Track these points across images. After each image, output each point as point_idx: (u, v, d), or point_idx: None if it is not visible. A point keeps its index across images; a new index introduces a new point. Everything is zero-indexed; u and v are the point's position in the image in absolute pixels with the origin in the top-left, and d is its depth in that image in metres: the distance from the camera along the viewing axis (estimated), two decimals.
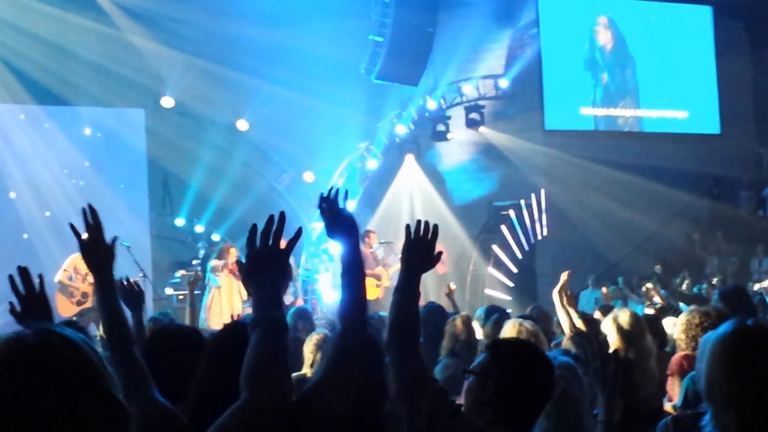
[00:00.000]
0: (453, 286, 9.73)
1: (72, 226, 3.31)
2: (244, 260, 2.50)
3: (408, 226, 3.23)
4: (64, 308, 12.37)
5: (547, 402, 3.13)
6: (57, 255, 14.60)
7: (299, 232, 2.54)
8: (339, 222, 2.92)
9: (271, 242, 2.46)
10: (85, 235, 3.25)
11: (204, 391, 2.83)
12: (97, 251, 3.26)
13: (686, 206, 20.34)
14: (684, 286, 13.72)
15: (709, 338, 2.92)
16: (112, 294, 3.24)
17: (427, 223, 3.22)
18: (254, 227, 2.48)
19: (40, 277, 3.38)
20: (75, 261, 12.56)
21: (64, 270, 12.65)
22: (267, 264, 2.45)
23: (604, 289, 13.38)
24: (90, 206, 3.18)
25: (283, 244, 2.47)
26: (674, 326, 5.79)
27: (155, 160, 17.86)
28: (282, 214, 2.49)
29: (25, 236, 16.36)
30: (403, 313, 3.13)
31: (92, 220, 3.25)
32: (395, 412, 3.02)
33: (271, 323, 2.35)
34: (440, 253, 3.27)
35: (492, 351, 3.20)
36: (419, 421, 2.90)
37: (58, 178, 16.85)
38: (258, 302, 2.42)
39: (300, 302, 14.66)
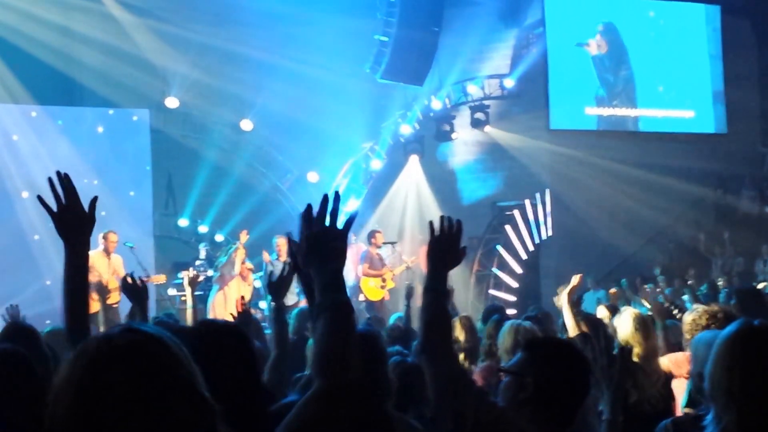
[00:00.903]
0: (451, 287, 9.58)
1: (40, 198, 3.18)
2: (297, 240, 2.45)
3: (431, 223, 3.17)
4: None
5: (584, 400, 3.12)
6: (61, 257, 14.59)
7: (353, 217, 2.53)
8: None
9: (329, 223, 2.40)
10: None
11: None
12: (74, 218, 3.18)
13: (692, 206, 20.29)
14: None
15: (707, 338, 2.91)
16: (84, 269, 3.17)
17: (450, 219, 3.17)
18: (309, 207, 2.43)
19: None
20: (93, 258, 12.50)
21: None
22: (326, 247, 2.39)
23: (612, 290, 13.33)
24: (59, 173, 3.04)
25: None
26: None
27: (159, 160, 17.88)
28: (337, 194, 2.43)
29: (36, 237, 16.39)
30: (435, 312, 3.08)
31: (68, 184, 3.13)
32: (435, 416, 3.01)
33: (336, 307, 2.30)
34: (465, 248, 3.23)
35: (531, 350, 3.16)
36: (465, 423, 2.87)
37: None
38: (321, 286, 2.36)
39: (304, 302, 14.63)
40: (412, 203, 19.59)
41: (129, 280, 5.23)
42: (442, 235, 3.15)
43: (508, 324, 5.99)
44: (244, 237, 13.86)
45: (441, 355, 3.01)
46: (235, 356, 2.72)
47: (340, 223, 2.42)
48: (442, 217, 3.18)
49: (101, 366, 1.67)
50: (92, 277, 12.03)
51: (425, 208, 19.38)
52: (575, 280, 7.11)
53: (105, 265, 12.39)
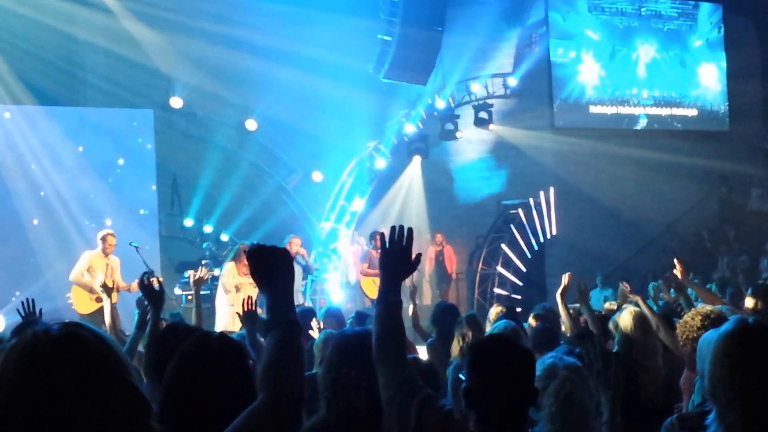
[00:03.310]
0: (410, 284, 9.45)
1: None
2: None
3: (382, 235, 3.19)
4: (81, 305, 12.36)
5: (531, 398, 3.03)
6: (64, 257, 14.70)
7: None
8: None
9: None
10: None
11: (168, 394, 2.82)
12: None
13: (696, 204, 20.28)
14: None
15: (709, 337, 2.92)
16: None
17: (401, 228, 3.17)
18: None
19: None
20: (90, 260, 12.56)
21: (80, 267, 12.60)
22: (275, 266, 2.55)
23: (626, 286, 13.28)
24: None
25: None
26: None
27: (164, 160, 17.90)
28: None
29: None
30: (387, 324, 3.09)
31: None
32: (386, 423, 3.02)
33: (283, 326, 2.45)
34: (419, 255, 3.22)
35: (468, 354, 3.15)
36: (408, 428, 2.87)
37: (67, 180, 16.89)
38: (270, 306, 2.51)
39: (306, 302, 14.69)
40: (415, 203, 19.62)
41: (146, 281, 5.28)
42: (392, 245, 3.15)
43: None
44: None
45: (393, 364, 3.00)
46: (231, 375, 2.75)
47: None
48: (392, 227, 3.18)
49: (37, 354, 1.69)
50: (90, 278, 12.11)
51: (426, 207, 19.42)
52: (566, 279, 7.18)
53: (103, 266, 12.41)
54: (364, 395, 3.19)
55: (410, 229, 3.17)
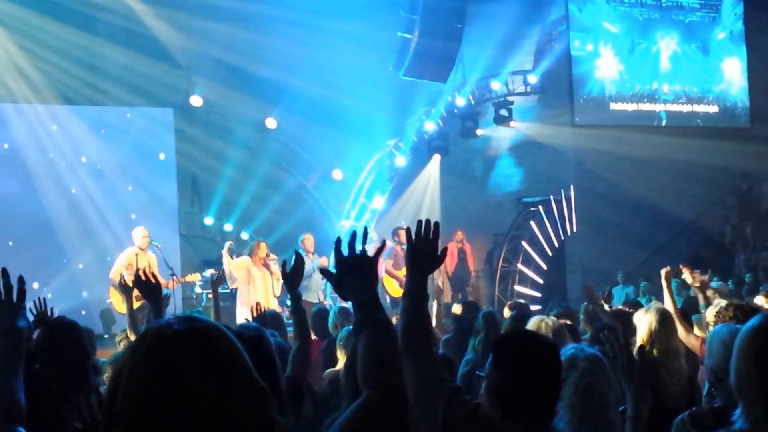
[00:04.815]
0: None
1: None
2: (332, 270, 2.67)
3: (408, 230, 3.15)
4: (120, 304, 12.42)
5: (555, 388, 3.04)
6: (87, 256, 14.81)
7: (384, 244, 2.87)
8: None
9: (358, 251, 2.63)
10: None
11: None
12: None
13: (717, 201, 20.19)
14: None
15: (716, 333, 2.90)
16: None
17: (428, 222, 3.15)
18: (339, 239, 2.64)
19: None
20: (129, 258, 12.66)
21: (120, 266, 12.68)
22: (356, 270, 2.60)
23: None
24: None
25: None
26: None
27: (184, 159, 17.98)
28: (365, 229, 2.80)
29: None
30: (413, 317, 3.09)
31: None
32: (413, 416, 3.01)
33: (376, 324, 2.49)
34: (445, 249, 3.22)
35: (495, 349, 3.14)
36: (435, 422, 2.89)
37: (88, 179, 17.00)
38: (358, 306, 2.57)
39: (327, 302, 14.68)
40: (435, 200, 19.61)
41: (142, 276, 5.19)
42: (418, 240, 3.13)
43: (533, 319, 5.97)
44: (263, 251, 13.41)
45: (419, 357, 3.01)
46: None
47: (369, 251, 2.64)
48: (419, 222, 3.16)
49: (164, 351, 1.70)
50: (131, 275, 12.10)
51: (448, 205, 19.40)
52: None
53: (144, 263, 12.46)
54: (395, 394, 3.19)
55: (437, 223, 3.16)
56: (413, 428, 3.06)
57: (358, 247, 2.61)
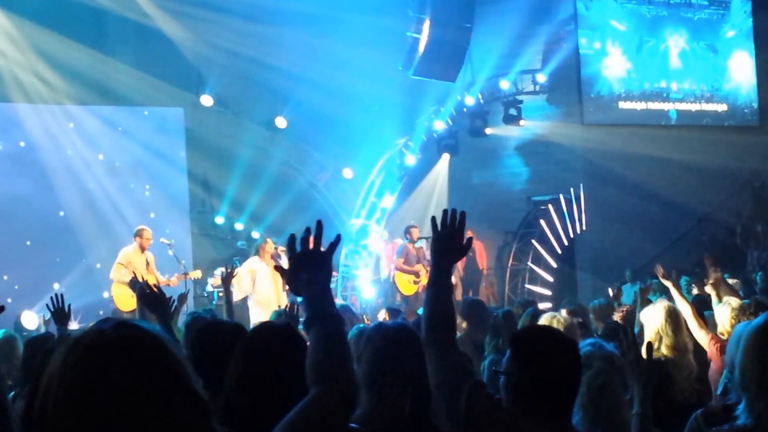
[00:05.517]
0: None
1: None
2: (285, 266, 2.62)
3: (434, 219, 3.18)
4: (122, 303, 12.45)
5: (575, 385, 3.01)
6: (102, 254, 14.87)
7: (338, 239, 2.70)
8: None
9: (311, 246, 2.57)
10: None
11: (238, 388, 2.86)
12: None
13: (727, 199, 20.14)
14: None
15: (737, 330, 2.95)
16: None
17: (453, 212, 3.16)
18: (292, 236, 2.61)
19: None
20: (127, 257, 12.66)
21: (119, 264, 12.69)
22: (309, 265, 2.54)
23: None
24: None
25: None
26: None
27: (195, 158, 18.01)
28: (319, 223, 2.63)
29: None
30: (438, 307, 3.08)
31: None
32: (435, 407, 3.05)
33: (325, 319, 2.43)
34: (470, 239, 3.22)
35: (513, 346, 3.10)
36: (458, 415, 2.87)
37: (100, 178, 17.08)
38: (308, 301, 2.50)
39: (337, 299, 14.70)
40: (444, 199, 19.63)
41: (147, 289, 5.12)
42: (444, 229, 3.15)
43: (545, 315, 6.01)
44: (270, 247, 13.38)
45: (444, 349, 3.01)
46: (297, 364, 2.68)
47: (323, 247, 2.59)
48: (445, 211, 3.18)
49: (95, 356, 1.65)
50: (129, 275, 12.14)
51: (458, 203, 19.39)
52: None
53: (142, 262, 12.51)
54: (413, 391, 3.21)
55: (463, 213, 3.16)
56: (434, 419, 3.11)
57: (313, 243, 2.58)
